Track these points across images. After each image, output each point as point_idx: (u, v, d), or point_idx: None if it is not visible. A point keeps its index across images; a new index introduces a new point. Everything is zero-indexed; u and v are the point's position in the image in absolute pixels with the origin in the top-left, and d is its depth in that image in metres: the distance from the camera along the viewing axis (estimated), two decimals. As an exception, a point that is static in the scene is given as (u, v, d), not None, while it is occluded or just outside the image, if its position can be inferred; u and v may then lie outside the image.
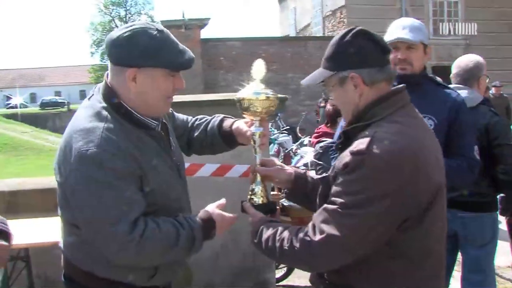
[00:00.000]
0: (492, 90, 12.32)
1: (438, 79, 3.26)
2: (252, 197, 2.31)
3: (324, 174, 2.05)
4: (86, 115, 2.10)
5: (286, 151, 11.63)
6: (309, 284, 5.74)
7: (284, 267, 5.60)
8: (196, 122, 2.64)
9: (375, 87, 1.94)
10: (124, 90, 2.08)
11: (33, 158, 19.71)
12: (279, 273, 5.51)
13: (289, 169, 2.31)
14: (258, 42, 19.92)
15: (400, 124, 1.87)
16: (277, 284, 5.25)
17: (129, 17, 51.14)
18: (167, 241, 2.07)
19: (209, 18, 19.08)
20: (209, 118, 2.62)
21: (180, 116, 2.67)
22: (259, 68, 2.30)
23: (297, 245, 1.85)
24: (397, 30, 3.06)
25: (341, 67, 1.95)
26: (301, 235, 1.87)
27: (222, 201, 2.36)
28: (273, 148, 12.09)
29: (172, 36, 2.12)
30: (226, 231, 4.29)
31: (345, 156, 1.84)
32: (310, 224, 1.87)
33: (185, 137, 2.62)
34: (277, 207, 2.39)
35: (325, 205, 1.85)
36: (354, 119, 1.97)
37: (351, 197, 1.78)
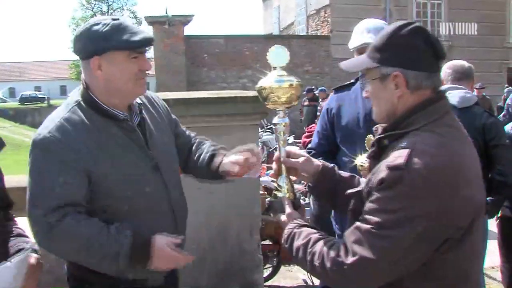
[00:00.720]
0: (475, 92, 12.39)
1: None
2: (276, 192, 2.14)
3: (357, 188, 1.90)
4: (58, 108, 2.24)
5: (270, 150, 11.59)
6: (295, 284, 5.71)
7: (270, 267, 5.56)
8: (195, 146, 2.62)
9: (417, 93, 1.77)
10: (94, 81, 2.17)
11: (11, 154, 19.43)
12: (264, 273, 5.44)
13: (316, 160, 2.14)
14: (242, 40, 19.90)
15: (441, 135, 1.70)
16: (263, 284, 5.20)
17: (111, 13, 50.73)
18: (82, 242, 2.02)
19: (193, 15, 19.05)
20: (205, 146, 2.59)
21: (183, 129, 2.69)
22: (280, 54, 2.14)
23: (328, 264, 1.71)
24: (362, 34, 3.05)
25: (388, 62, 1.78)
26: (332, 254, 1.71)
27: (177, 240, 2.18)
28: (257, 147, 12.04)
29: (128, 22, 2.20)
30: (215, 231, 4.28)
31: (381, 171, 1.68)
32: (341, 242, 1.73)
33: (184, 155, 2.61)
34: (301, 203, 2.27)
35: (358, 224, 1.70)
36: (389, 126, 1.82)
37: (387, 216, 1.63)
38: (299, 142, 10.56)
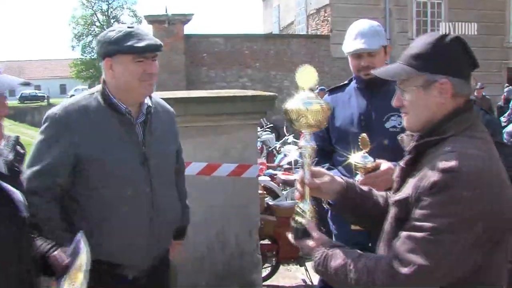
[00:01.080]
0: (475, 93, 12.43)
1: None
2: (298, 218, 2.07)
3: (402, 195, 1.82)
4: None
5: (270, 149, 11.59)
6: (293, 284, 5.71)
7: (268, 266, 5.56)
8: None
9: (456, 100, 1.81)
10: (108, 78, 2.50)
11: (11, 153, 19.44)
12: (263, 273, 5.45)
13: (339, 178, 2.12)
14: (242, 39, 19.86)
15: (481, 139, 1.76)
16: (262, 284, 5.20)
17: (111, 11, 50.79)
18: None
19: (192, 14, 18.99)
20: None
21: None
22: (308, 74, 2.08)
23: (381, 277, 1.67)
24: (356, 40, 3.05)
25: (434, 70, 1.80)
26: (383, 267, 1.69)
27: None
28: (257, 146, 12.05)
29: (141, 30, 2.50)
30: (214, 231, 4.28)
31: (431, 175, 1.67)
32: (391, 255, 1.71)
33: None
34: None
35: (409, 233, 1.67)
36: (426, 132, 1.83)
37: (443, 220, 1.61)
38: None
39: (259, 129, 13.73)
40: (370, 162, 2.64)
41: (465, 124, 1.79)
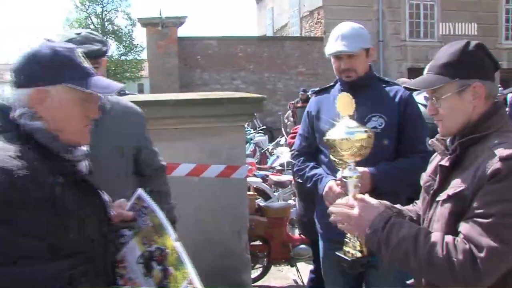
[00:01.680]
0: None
1: (386, 78, 3.34)
2: (349, 249, 2.10)
3: (458, 189, 1.87)
4: None
5: (262, 150, 11.62)
6: (285, 284, 5.71)
7: (260, 267, 5.60)
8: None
9: (488, 101, 1.93)
10: None
11: None
12: (254, 273, 5.48)
13: (384, 206, 2.07)
14: (235, 41, 19.90)
15: None
16: (253, 284, 5.20)
17: (106, 14, 50.62)
18: None
19: (186, 17, 19.04)
20: None
21: (147, 160, 2.98)
22: (346, 102, 2.09)
23: (460, 257, 1.71)
24: (336, 42, 3.09)
25: (466, 75, 1.92)
26: (464, 246, 1.72)
27: None
28: (249, 148, 12.05)
29: None
30: (203, 231, 4.30)
31: (490, 164, 1.76)
32: (463, 240, 1.75)
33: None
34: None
35: (477, 219, 1.73)
36: (467, 131, 1.93)
37: (508, 204, 1.70)
38: (291, 143, 10.56)
39: (252, 131, 13.78)
40: (355, 175, 2.66)
41: (501, 121, 1.91)
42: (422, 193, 2.17)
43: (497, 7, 22.08)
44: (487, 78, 1.93)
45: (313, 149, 3.32)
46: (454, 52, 1.96)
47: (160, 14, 19.00)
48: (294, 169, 3.45)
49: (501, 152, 1.75)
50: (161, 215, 2.02)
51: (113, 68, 48.67)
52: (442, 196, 1.92)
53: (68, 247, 1.63)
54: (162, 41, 18.32)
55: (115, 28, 50.90)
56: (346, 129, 2.02)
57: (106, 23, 50.60)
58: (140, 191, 2.10)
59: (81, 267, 1.67)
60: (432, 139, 2.09)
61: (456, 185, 1.86)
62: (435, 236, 1.80)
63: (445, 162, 1.96)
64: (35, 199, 1.56)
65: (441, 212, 1.91)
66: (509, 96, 12.58)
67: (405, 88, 2.23)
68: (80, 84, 1.73)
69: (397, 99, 3.07)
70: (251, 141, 12.34)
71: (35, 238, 1.55)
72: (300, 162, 3.34)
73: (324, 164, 3.19)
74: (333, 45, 3.10)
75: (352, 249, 2.11)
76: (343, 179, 2.09)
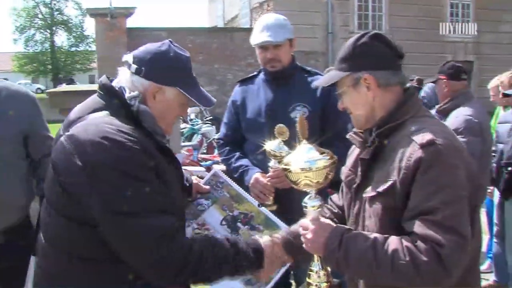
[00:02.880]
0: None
1: (308, 68, 3.42)
2: (312, 281, 1.99)
3: (383, 187, 1.83)
4: None
5: (209, 141, 11.66)
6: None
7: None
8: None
9: (390, 90, 1.94)
10: None
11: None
12: None
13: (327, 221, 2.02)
14: (185, 33, 19.76)
15: (434, 119, 1.92)
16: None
17: (55, 4, 49.56)
18: None
19: (135, 7, 18.80)
20: None
21: (39, 143, 3.09)
22: (303, 125, 2.01)
23: (424, 258, 1.66)
24: (262, 32, 3.17)
25: (356, 68, 1.94)
26: (425, 246, 1.67)
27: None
28: (197, 138, 12.07)
29: None
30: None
31: (411, 153, 1.75)
32: (421, 240, 1.69)
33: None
34: None
35: (427, 217, 1.68)
36: (381, 121, 1.92)
37: (445, 192, 1.69)
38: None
39: (199, 121, 13.79)
40: (284, 151, 2.74)
41: (416, 107, 1.93)
42: (344, 188, 2.17)
43: (442, 1, 22.58)
44: (381, 68, 1.93)
45: (238, 138, 3.39)
46: (348, 46, 2.00)
47: (110, 5, 18.76)
48: (221, 159, 3.53)
49: (420, 139, 1.75)
50: (238, 188, 2.52)
51: (63, 59, 47.76)
52: (370, 192, 1.90)
53: (170, 207, 1.91)
54: (111, 32, 18.06)
55: (65, 18, 49.91)
56: (306, 158, 1.91)
57: (56, 13, 49.54)
58: (216, 169, 2.59)
59: (178, 222, 1.94)
60: (350, 133, 2.11)
61: (382, 180, 1.85)
62: (393, 243, 1.73)
63: (365, 155, 1.96)
64: (152, 167, 1.86)
65: (373, 209, 1.88)
66: (424, 89, 12.88)
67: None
68: (189, 92, 2.04)
69: (319, 89, 3.13)
70: (199, 131, 12.36)
71: (161, 195, 1.86)
72: (226, 152, 3.40)
73: (249, 153, 3.28)
74: (259, 35, 3.18)
75: (317, 281, 2.00)
76: (304, 208, 1.99)
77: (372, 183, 1.90)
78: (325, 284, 1.99)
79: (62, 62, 47.53)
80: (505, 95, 4.91)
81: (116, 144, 1.79)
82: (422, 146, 1.73)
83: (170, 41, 2.10)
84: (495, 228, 5.27)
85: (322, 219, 1.99)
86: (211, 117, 15.01)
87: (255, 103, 3.28)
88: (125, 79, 2.03)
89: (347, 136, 2.12)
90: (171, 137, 4.45)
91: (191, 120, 14.18)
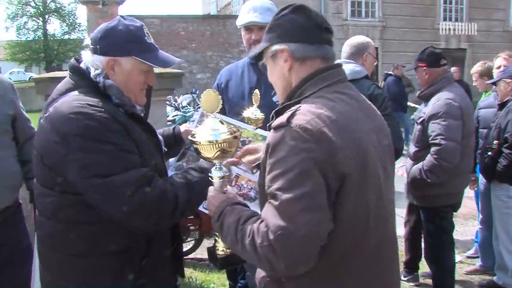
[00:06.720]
0: (393, 70, 13.03)
1: None
2: (217, 246, 2.13)
3: (257, 162, 1.88)
4: None
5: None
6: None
7: (191, 240, 5.73)
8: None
9: (307, 64, 1.86)
10: None
11: None
12: (186, 247, 5.60)
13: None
14: (177, 20, 19.73)
15: (328, 99, 1.76)
16: (185, 257, 5.32)
17: (46, -9, 49.09)
18: None
19: (127, -6, 18.71)
20: None
21: (22, 126, 3.36)
22: (211, 99, 2.06)
23: (259, 240, 1.63)
24: (249, 13, 3.21)
25: (274, 40, 1.89)
26: (262, 228, 1.64)
27: None
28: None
29: None
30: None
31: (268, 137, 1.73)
32: (261, 222, 1.67)
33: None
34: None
35: (270, 200, 1.65)
36: (286, 98, 1.88)
37: (287, 176, 1.61)
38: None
39: (191, 108, 13.78)
40: (260, 115, 2.79)
41: (320, 85, 1.81)
42: None
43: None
44: (300, 40, 1.85)
45: None
46: (272, 19, 1.96)
47: (102, -8, 18.64)
48: None
49: (275, 122, 1.72)
50: (228, 118, 2.64)
51: (56, 47, 47.47)
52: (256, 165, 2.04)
53: (144, 164, 2.07)
54: (102, 20, 17.87)
55: (58, 6, 49.54)
56: (212, 131, 1.97)
57: (48, 1, 49.17)
58: (202, 110, 2.57)
59: (151, 173, 2.07)
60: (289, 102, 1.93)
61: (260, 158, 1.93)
62: (251, 221, 1.73)
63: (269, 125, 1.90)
64: (119, 130, 2.01)
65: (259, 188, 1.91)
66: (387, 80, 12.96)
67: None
68: (145, 57, 2.14)
69: None
70: (191, 118, 12.35)
71: (132, 153, 2.03)
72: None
73: None
74: (245, 16, 3.21)
75: (222, 246, 2.12)
76: (210, 177, 2.04)
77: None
78: (229, 250, 2.12)
79: (56, 50, 47.22)
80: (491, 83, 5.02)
81: (85, 115, 1.97)
82: (273, 128, 1.72)
83: (121, 15, 2.24)
84: (480, 216, 5.37)
85: (227, 189, 2.06)
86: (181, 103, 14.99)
87: (239, 86, 3.32)
88: (88, 59, 2.18)
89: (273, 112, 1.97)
90: (156, 121, 4.47)
91: (183, 107, 14.18)
